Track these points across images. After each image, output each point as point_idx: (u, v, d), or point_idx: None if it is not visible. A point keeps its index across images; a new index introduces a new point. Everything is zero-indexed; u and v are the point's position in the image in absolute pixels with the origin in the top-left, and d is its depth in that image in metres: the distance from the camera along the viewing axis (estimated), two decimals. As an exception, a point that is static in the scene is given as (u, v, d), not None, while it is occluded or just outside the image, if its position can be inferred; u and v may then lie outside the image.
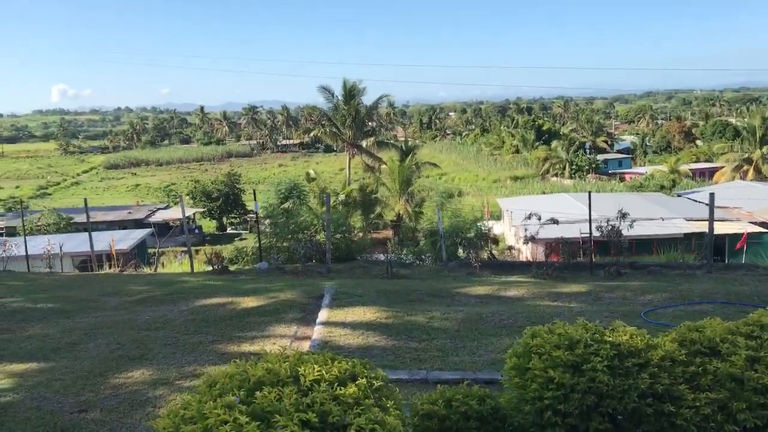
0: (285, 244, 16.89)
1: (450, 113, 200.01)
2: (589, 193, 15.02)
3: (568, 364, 4.48)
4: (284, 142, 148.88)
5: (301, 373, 3.64)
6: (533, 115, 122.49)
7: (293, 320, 9.94)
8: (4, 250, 18.43)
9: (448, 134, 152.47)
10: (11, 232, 39.69)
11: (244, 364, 3.87)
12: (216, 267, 15.55)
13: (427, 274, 15.02)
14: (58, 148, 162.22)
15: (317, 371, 3.66)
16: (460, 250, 16.03)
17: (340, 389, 3.54)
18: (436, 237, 16.96)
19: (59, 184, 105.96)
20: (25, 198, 75.22)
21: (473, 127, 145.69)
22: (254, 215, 60.29)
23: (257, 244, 18.28)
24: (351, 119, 54.43)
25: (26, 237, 21.90)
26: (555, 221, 14.22)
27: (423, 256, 17.19)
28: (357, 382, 3.68)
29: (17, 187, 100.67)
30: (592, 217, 14.33)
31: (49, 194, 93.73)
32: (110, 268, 19.88)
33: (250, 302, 10.99)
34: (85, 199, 21.60)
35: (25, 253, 19.57)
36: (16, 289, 13.45)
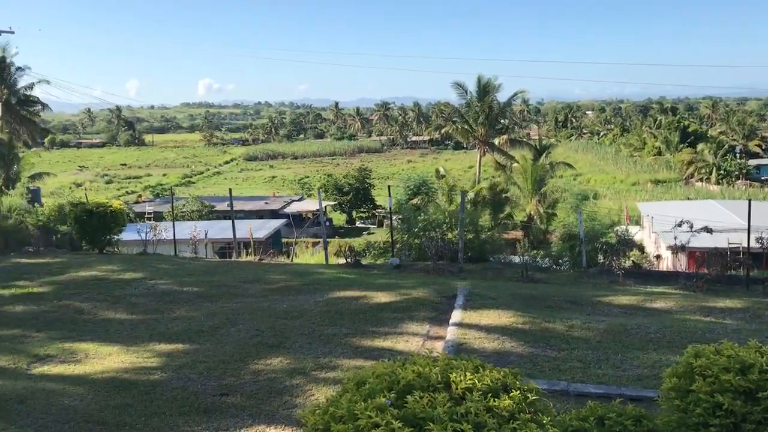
0: (416, 240, 16.83)
1: (587, 112, 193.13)
2: (749, 200, 13.85)
3: (739, 390, 4.06)
4: (414, 138, 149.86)
5: (453, 380, 3.49)
6: (678, 116, 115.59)
7: (425, 319, 9.84)
8: (155, 234, 19.65)
9: (584, 133, 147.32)
10: (158, 216, 42.40)
11: (392, 364, 3.77)
12: (349, 260, 15.77)
13: (565, 279, 14.46)
14: (203, 139, 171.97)
15: (469, 379, 3.49)
16: (600, 257, 15.27)
17: (494, 400, 3.36)
18: (573, 241, 16.26)
19: (202, 173, 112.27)
20: (172, 185, 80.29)
21: (612, 126, 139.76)
22: (383, 210, 61.25)
23: (386, 239, 18.36)
24: (484, 116, 53.69)
25: (174, 222, 23.23)
26: (708, 230, 13.21)
27: (560, 261, 16.56)
28: (511, 394, 3.49)
29: (164, 174, 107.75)
30: (750, 227, 13.20)
31: (193, 183, 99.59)
32: (247, 255, 20.71)
33: (382, 297, 11.01)
34: (230, 189, 22.66)
35: (173, 237, 20.76)
36: (165, 272, 14.27)
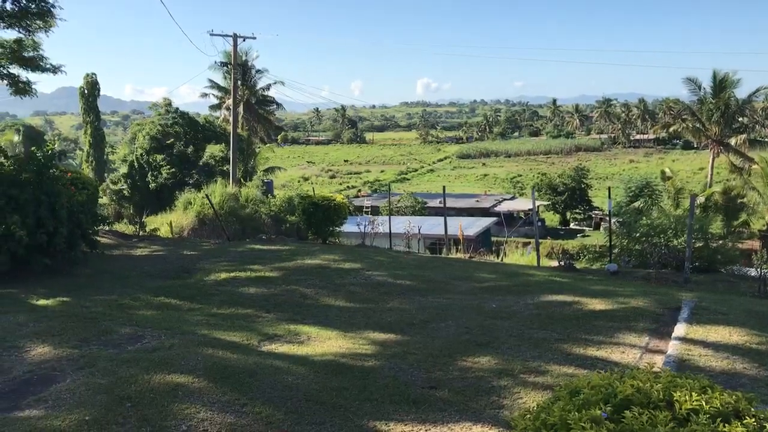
0: (636, 246, 15.89)
1: None
2: None
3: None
4: (637, 136, 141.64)
5: (677, 399, 3.23)
6: None
7: (645, 330, 9.23)
8: (373, 228, 20.64)
9: None
10: (375, 210, 44.37)
11: (609, 376, 3.58)
12: (562, 263, 15.32)
13: (813, 298, 12.80)
14: (418, 137, 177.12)
15: (695, 400, 3.21)
16: None
17: (724, 426, 3.06)
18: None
19: (417, 170, 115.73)
20: (388, 181, 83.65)
21: None
22: (600, 212, 58.68)
23: (603, 243, 17.55)
24: (718, 114, 49.21)
25: (390, 217, 24.20)
26: None
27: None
28: (744, 421, 3.15)
29: (382, 171, 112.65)
30: None
31: (408, 179, 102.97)
32: (457, 252, 20.95)
33: (597, 305, 10.53)
34: (444, 187, 23.07)
35: (388, 231, 21.65)
36: (381, 264, 14.90)
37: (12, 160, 12.71)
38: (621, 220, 18.62)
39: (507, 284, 12.37)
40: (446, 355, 8.08)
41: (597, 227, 58.10)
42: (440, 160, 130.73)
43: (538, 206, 61.58)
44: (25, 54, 15.56)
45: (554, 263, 15.65)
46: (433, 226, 31.22)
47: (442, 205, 23.77)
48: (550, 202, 64.05)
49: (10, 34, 15.54)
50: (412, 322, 9.71)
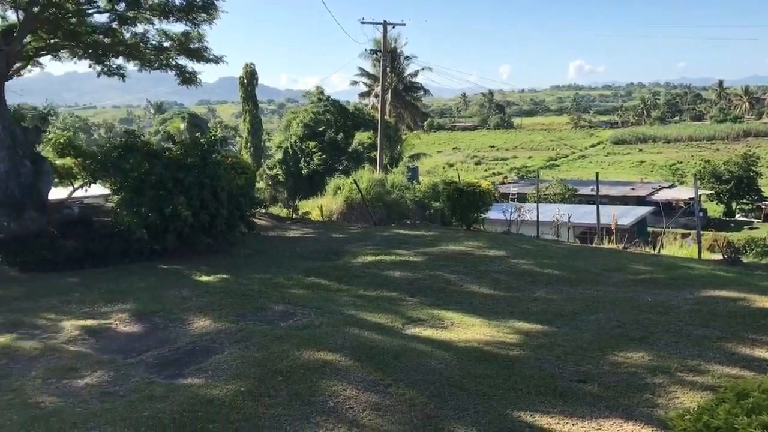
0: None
1: None
2: None
3: None
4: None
5: None
6: None
7: (823, 332, 8.34)
8: (519, 215, 20.24)
9: None
10: (522, 198, 43.51)
11: (783, 380, 3.25)
12: (726, 257, 14.20)
13: None
14: (570, 122, 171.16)
15: None
16: None
17: None
18: None
19: (567, 156, 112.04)
20: (536, 168, 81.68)
21: None
22: (775, 204, 53.90)
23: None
24: None
25: (538, 204, 23.61)
26: None
27: None
28: None
29: (530, 157, 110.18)
30: None
31: (557, 165, 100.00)
32: (609, 242, 20.05)
33: (767, 302, 9.66)
34: (597, 173, 22.21)
35: (536, 219, 21.13)
36: (527, 252, 14.58)
37: (179, 145, 13.70)
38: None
39: (664, 277, 11.67)
40: (596, 348, 7.77)
41: (767, 219, 53.47)
42: (592, 146, 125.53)
43: (699, 195, 57.66)
44: (191, 46, 16.70)
45: (717, 257, 14.53)
46: (583, 214, 30.10)
47: (593, 193, 22.89)
48: (713, 192, 59.63)
49: (178, 27, 16.77)
50: (560, 313, 9.42)
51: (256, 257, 13.76)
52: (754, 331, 8.36)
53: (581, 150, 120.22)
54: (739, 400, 3.13)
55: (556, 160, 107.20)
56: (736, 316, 9.02)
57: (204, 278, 11.58)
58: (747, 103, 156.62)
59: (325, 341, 7.79)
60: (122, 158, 13.30)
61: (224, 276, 11.73)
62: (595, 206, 21.37)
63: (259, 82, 57.77)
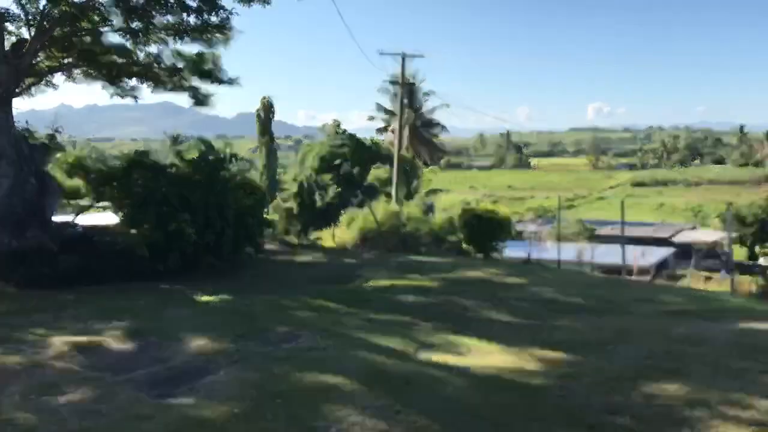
0: None
1: None
2: None
3: None
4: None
5: None
6: None
7: None
8: (539, 245, 19.61)
9: None
10: (538, 237, 42.87)
11: None
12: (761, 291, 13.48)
13: None
14: (588, 164, 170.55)
15: None
16: None
17: None
18: None
19: (585, 197, 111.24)
20: (553, 208, 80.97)
21: None
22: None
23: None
24: None
25: (559, 242, 22.98)
26: None
27: None
28: None
29: (547, 197, 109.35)
30: None
31: (575, 206, 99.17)
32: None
33: (811, 336, 8.94)
34: (622, 202, 21.59)
35: (557, 257, 20.45)
36: (549, 281, 13.99)
37: (186, 162, 13.30)
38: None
39: (696, 308, 11.02)
40: (627, 379, 7.12)
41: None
42: (611, 188, 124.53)
43: (722, 238, 56.56)
44: (205, 67, 16.35)
45: (753, 291, 13.83)
46: (604, 254, 29.25)
47: (612, 233, 22.23)
48: (736, 234, 58.47)
49: (193, 48, 16.45)
50: (586, 342, 8.75)
51: (262, 279, 13.26)
52: (802, 366, 7.64)
53: (599, 191, 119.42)
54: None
55: (573, 200, 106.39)
56: (779, 349, 8.31)
57: (205, 298, 11.08)
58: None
59: (331, 364, 7.23)
60: (127, 174, 12.91)
61: (227, 297, 11.20)
62: (615, 245, 20.65)
63: (276, 118, 58.08)
